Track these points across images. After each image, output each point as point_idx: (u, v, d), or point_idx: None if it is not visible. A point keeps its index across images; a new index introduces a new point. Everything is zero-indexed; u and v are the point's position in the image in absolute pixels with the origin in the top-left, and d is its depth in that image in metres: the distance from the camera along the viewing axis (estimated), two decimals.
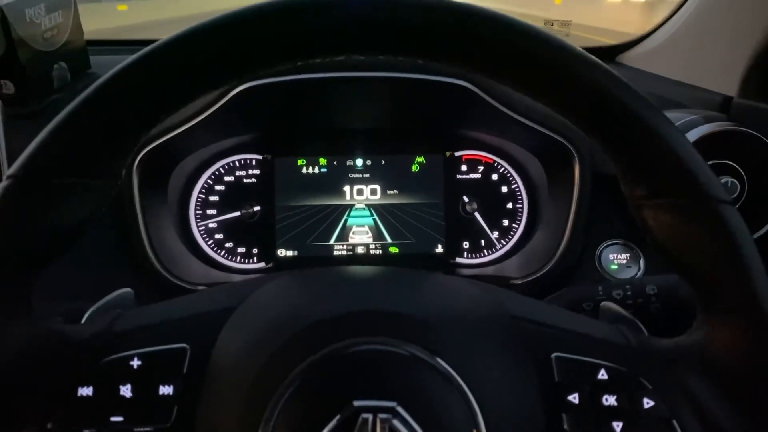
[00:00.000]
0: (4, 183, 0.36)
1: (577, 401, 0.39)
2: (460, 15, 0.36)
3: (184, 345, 0.41)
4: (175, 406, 0.39)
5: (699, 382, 0.39)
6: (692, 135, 0.80)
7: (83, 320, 0.48)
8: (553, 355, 0.41)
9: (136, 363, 0.40)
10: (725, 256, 0.37)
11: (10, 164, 0.74)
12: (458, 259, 0.96)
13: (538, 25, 0.38)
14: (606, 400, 0.39)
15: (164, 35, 0.37)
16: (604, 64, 0.37)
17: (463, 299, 0.44)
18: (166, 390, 0.39)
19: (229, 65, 0.37)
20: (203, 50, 0.36)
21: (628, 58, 1.18)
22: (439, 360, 0.37)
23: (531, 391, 0.40)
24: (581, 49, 0.37)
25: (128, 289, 0.52)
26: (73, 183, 0.38)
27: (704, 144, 0.79)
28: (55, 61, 0.90)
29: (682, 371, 0.40)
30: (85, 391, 0.39)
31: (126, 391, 0.39)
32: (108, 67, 0.36)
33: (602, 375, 0.40)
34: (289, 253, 0.95)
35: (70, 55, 0.93)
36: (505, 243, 0.97)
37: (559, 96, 0.39)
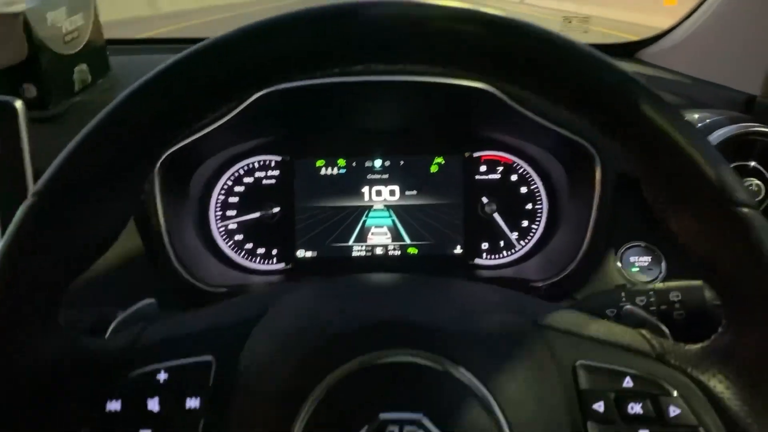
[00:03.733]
0: (29, 201, 0.36)
1: (602, 410, 0.39)
2: (485, 24, 0.35)
3: (209, 357, 0.41)
4: (201, 419, 0.39)
5: (726, 388, 0.39)
6: (716, 136, 0.79)
7: (108, 333, 0.48)
8: (578, 362, 0.41)
9: (162, 377, 0.40)
10: (751, 262, 0.36)
11: (33, 166, 0.74)
12: (477, 260, 0.96)
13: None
14: (632, 408, 0.39)
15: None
16: (622, 68, 0.36)
17: (487, 308, 0.44)
18: (192, 403, 0.39)
19: (250, 78, 0.37)
20: (225, 63, 0.36)
21: (649, 54, 1.16)
22: (463, 371, 0.37)
23: (556, 400, 0.39)
24: (598, 52, 0.36)
25: (151, 300, 0.52)
26: (98, 198, 0.37)
27: (729, 145, 0.78)
28: (76, 64, 0.90)
29: (708, 377, 0.39)
30: (114, 405, 0.39)
31: (153, 404, 0.39)
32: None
33: (627, 383, 0.40)
34: (309, 254, 0.95)
35: (91, 58, 0.93)
36: (524, 244, 0.96)
37: (577, 103, 0.38)
